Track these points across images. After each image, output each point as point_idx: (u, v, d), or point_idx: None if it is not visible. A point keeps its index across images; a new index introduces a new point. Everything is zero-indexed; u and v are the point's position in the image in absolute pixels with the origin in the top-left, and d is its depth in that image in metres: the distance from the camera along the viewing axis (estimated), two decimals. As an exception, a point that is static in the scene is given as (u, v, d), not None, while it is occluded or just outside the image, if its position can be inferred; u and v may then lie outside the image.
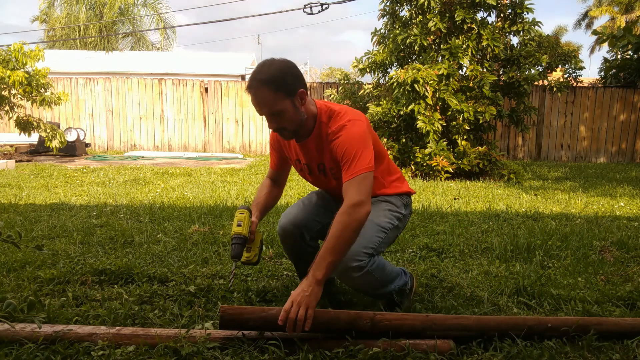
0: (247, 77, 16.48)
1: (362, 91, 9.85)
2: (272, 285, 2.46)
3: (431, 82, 7.46)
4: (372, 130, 2.04)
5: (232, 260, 2.01)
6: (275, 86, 1.83)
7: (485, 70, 8.14)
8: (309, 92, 11.76)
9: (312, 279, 1.74)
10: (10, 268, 2.64)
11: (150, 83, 12.46)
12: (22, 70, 8.71)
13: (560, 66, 9.99)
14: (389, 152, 8.00)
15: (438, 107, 7.94)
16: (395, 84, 7.72)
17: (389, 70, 8.87)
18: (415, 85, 7.39)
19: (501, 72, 8.88)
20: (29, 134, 9.08)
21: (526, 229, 3.81)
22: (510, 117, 8.60)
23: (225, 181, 6.69)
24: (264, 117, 1.93)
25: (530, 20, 8.38)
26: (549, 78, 9.67)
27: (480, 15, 8.38)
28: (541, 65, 8.59)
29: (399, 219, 2.13)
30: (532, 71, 8.43)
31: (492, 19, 8.75)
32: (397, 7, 8.92)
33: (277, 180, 2.31)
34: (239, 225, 1.99)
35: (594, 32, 15.70)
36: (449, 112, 7.82)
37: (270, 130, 2.01)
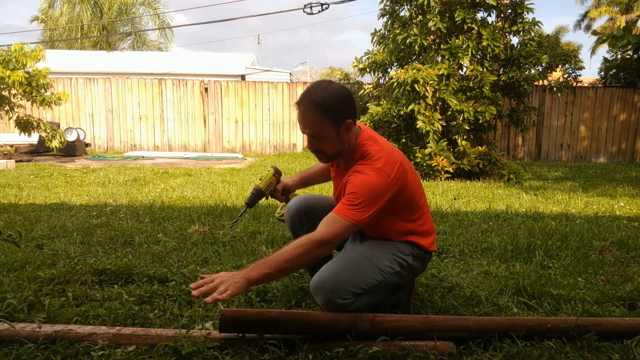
0: (247, 77, 16.51)
1: (362, 91, 9.86)
2: (272, 285, 2.46)
3: (431, 82, 7.46)
4: (407, 176, 1.93)
5: (245, 205, 2.28)
6: (325, 111, 1.83)
7: (485, 70, 8.14)
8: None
9: (246, 275, 1.69)
10: (10, 268, 2.64)
11: (150, 83, 12.46)
12: (22, 70, 8.71)
13: (560, 66, 9.99)
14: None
15: (438, 107, 7.94)
16: (395, 84, 7.72)
17: (389, 70, 8.87)
18: (415, 85, 7.39)
19: (501, 72, 8.88)
20: (29, 134, 9.08)
21: (526, 229, 3.81)
22: (510, 117, 8.60)
23: (225, 181, 6.69)
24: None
25: (530, 20, 8.39)
26: (549, 78, 9.67)
27: (480, 15, 8.39)
28: (541, 65, 8.60)
29: (401, 265, 2.00)
30: (532, 71, 8.44)
31: (492, 19, 8.75)
32: (397, 7, 8.92)
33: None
34: (260, 179, 2.29)
35: (594, 33, 15.69)
36: (449, 112, 7.82)
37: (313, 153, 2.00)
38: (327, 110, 1.82)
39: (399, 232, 2.02)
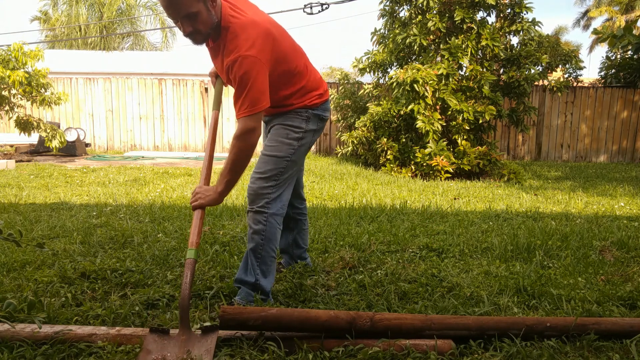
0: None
1: (362, 91, 9.86)
2: (272, 286, 2.46)
3: (431, 82, 7.46)
4: (279, 44, 2.04)
5: None
6: None
7: (484, 70, 8.14)
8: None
9: (215, 189, 2.07)
10: (10, 268, 2.64)
11: (150, 83, 12.46)
12: (22, 70, 8.71)
13: (560, 66, 10.00)
14: (389, 152, 8.00)
15: (438, 107, 7.94)
16: (395, 84, 7.72)
17: (389, 70, 8.88)
18: (415, 85, 7.39)
19: (501, 72, 8.89)
20: (29, 134, 9.07)
21: (526, 229, 3.81)
22: (510, 117, 8.60)
23: (225, 181, 6.68)
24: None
25: (530, 20, 8.39)
26: (549, 78, 9.67)
27: (480, 15, 8.39)
28: (541, 65, 8.60)
29: (298, 138, 2.22)
30: (532, 71, 8.44)
31: (492, 19, 8.76)
32: (396, 7, 8.93)
33: None
34: None
35: (595, 32, 15.67)
36: (449, 112, 7.82)
37: (187, 37, 2.02)
38: None
39: (285, 97, 2.17)
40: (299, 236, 2.64)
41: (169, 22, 22.09)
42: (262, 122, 2.33)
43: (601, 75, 13.18)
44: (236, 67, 1.95)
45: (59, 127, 10.12)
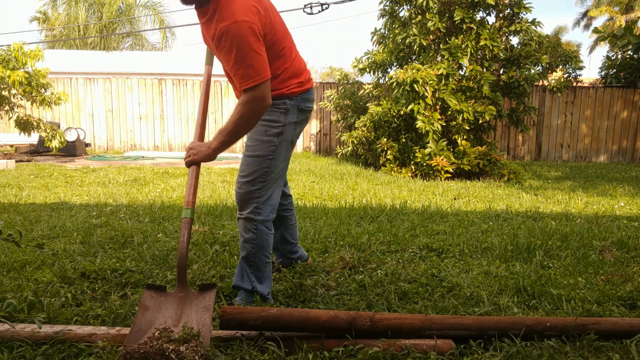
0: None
1: (362, 91, 9.86)
2: (273, 286, 2.46)
3: (430, 82, 7.46)
4: (268, 11, 1.97)
5: None
6: None
7: (484, 70, 8.14)
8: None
9: (209, 145, 2.02)
10: (10, 268, 2.64)
11: (150, 83, 12.46)
12: (22, 70, 8.71)
13: (560, 66, 10.00)
14: (389, 152, 8.00)
15: (438, 107, 7.94)
16: (394, 84, 7.73)
17: (389, 70, 8.89)
18: (415, 85, 7.40)
19: (501, 72, 8.89)
20: (29, 134, 9.07)
21: (526, 229, 3.81)
22: (510, 117, 8.60)
23: (225, 181, 6.69)
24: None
25: (529, 21, 8.40)
26: (549, 78, 9.67)
27: (479, 15, 8.40)
28: (541, 66, 8.61)
29: (278, 134, 2.14)
30: (532, 71, 8.45)
31: (491, 19, 8.76)
32: (396, 7, 8.93)
33: None
34: None
35: (595, 31, 15.66)
36: (449, 112, 7.83)
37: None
38: None
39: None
40: (287, 232, 2.59)
41: (169, 22, 22.10)
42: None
43: (601, 75, 13.18)
44: (232, 32, 1.85)
45: (59, 127, 10.13)
